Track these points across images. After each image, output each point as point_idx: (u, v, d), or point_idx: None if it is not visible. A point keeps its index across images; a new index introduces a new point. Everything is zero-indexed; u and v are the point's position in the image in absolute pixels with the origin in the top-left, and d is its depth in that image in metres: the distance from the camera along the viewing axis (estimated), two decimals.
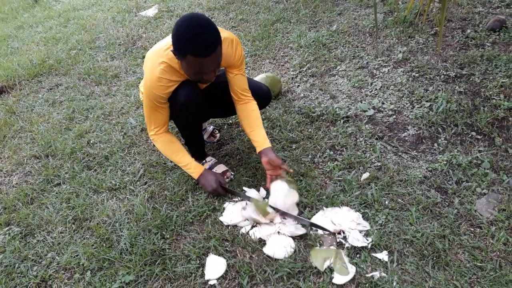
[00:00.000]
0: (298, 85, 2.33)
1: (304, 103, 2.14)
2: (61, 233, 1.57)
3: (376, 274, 1.27)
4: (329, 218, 1.46)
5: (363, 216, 1.46)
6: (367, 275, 1.27)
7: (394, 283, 1.23)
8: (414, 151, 1.75)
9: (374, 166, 1.69)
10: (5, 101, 2.57)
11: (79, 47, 3.18)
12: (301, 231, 1.42)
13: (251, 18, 3.18)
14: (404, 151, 1.76)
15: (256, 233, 1.45)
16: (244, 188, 1.64)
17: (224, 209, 1.56)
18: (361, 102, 2.09)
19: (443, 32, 2.54)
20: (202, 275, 1.34)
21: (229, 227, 1.49)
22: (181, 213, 1.57)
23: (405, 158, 1.72)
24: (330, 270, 1.29)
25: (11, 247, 1.52)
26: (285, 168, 1.51)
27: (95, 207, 1.66)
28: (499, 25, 2.44)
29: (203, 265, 1.37)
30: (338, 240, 1.39)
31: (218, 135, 1.99)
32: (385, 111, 2.02)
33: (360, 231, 1.41)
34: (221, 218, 1.52)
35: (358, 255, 1.34)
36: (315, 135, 1.90)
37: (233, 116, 2.09)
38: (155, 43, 1.49)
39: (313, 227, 1.44)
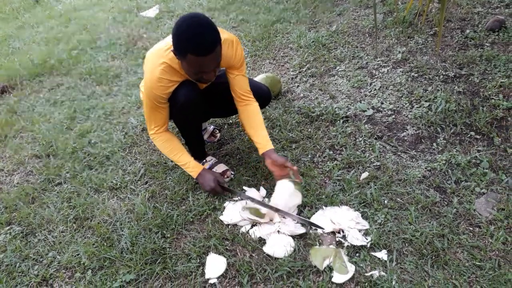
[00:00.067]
0: (298, 85, 2.34)
1: (303, 103, 2.15)
2: (62, 232, 1.57)
3: (376, 273, 1.27)
4: (329, 217, 1.46)
5: (362, 215, 1.47)
6: (366, 274, 1.28)
7: (393, 282, 1.24)
8: (413, 150, 1.76)
9: (373, 165, 1.70)
10: (7, 101, 2.58)
11: (80, 47, 3.19)
12: (301, 230, 1.43)
13: (251, 18, 3.19)
14: (403, 150, 1.77)
15: (256, 232, 1.45)
16: (244, 188, 1.65)
17: (224, 208, 1.57)
18: (361, 102, 2.10)
19: (442, 32, 2.55)
20: (203, 274, 1.35)
21: (229, 226, 1.50)
22: (181, 212, 1.58)
23: (404, 158, 1.73)
24: (330, 269, 1.30)
25: (12, 246, 1.53)
26: (289, 166, 1.51)
27: (96, 207, 1.66)
28: (498, 25, 2.44)
29: (203, 264, 1.38)
30: (337, 239, 1.40)
31: (218, 134, 2.00)
32: (384, 111, 2.02)
33: (360, 230, 1.41)
34: (221, 217, 1.52)
35: (357, 254, 1.35)
36: (315, 135, 1.91)
37: (234, 116, 2.10)
38: (156, 43, 1.50)
39: (312, 227, 1.44)
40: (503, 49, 2.29)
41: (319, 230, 1.44)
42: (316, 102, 2.15)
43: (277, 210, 1.47)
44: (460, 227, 1.40)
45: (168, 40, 1.39)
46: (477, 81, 2.09)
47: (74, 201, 1.70)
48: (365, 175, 1.64)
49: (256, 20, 3.14)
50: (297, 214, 1.50)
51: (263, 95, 1.70)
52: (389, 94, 2.13)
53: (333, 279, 1.27)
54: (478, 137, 1.77)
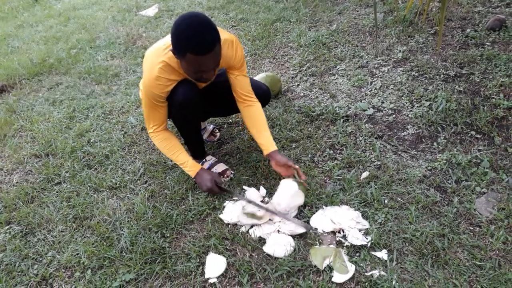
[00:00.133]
0: (298, 85, 2.33)
1: (304, 102, 2.15)
2: (61, 231, 1.57)
3: (376, 272, 1.27)
4: (329, 217, 1.46)
5: (362, 215, 1.47)
6: (366, 274, 1.27)
7: (394, 282, 1.24)
8: (414, 150, 1.75)
9: (374, 165, 1.69)
10: (6, 100, 2.57)
11: (79, 46, 3.18)
12: (301, 229, 1.43)
13: (251, 17, 3.18)
14: (403, 150, 1.76)
15: (256, 231, 1.45)
16: (244, 187, 1.64)
17: (224, 207, 1.57)
18: (361, 101, 2.09)
19: (443, 32, 2.55)
20: (202, 273, 1.34)
21: (229, 225, 1.50)
22: (181, 211, 1.58)
23: (404, 157, 1.72)
24: (330, 268, 1.30)
25: (12, 246, 1.53)
26: (291, 165, 1.51)
27: (95, 206, 1.66)
28: (499, 24, 2.44)
29: (203, 264, 1.37)
30: (337, 239, 1.40)
31: (218, 134, 2.00)
32: (385, 110, 2.02)
33: (360, 230, 1.41)
34: (221, 216, 1.52)
35: (357, 254, 1.34)
36: (315, 134, 1.90)
37: (233, 115, 2.10)
38: (155, 42, 1.49)
39: (310, 229, 1.43)
40: (504, 49, 2.29)
41: (319, 230, 1.43)
42: (316, 101, 2.14)
43: (273, 213, 1.46)
44: (460, 226, 1.40)
45: (168, 39, 1.39)
46: (478, 80, 2.08)
47: (73, 201, 1.70)
48: (365, 174, 1.64)
49: (256, 19, 3.13)
50: (297, 214, 1.50)
51: (263, 94, 1.70)
52: (389, 93, 2.12)
53: (333, 279, 1.26)
54: (478, 136, 1.77)
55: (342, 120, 1.97)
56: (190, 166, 1.59)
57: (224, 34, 1.42)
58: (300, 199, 1.49)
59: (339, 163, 1.72)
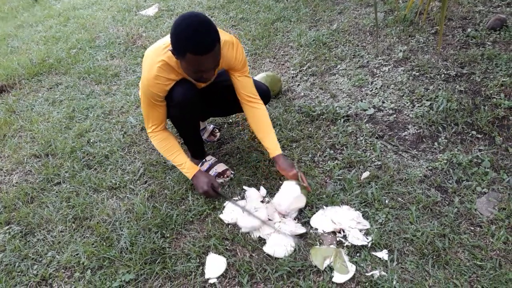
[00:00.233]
0: (299, 84, 2.33)
1: (304, 102, 2.14)
2: (61, 232, 1.57)
3: (376, 273, 1.27)
4: (329, 217, 1.46)
5: (363, 215, 1.46)
6: (367, 274, 1.27)
7: (394, 282, 1.23)
8: (415, 150, 1.75)
9: (374, 165, 1.69)
10: (5, 100, 2.57)
11: (79, 46, 3.18)
12: (301, 230, 1.42)
13: (251, 17, 3.18)
14: (404, 150, 1.76)
15: (256, 232, 1.45)
16: (244, 187, 1.64)
17: (224, 207, 1.56)
18: (362, 101, 2.09)
19: (444, 31, 2.54)
20: (202, 273, 1.34)
21: (229, 226, 1.49)
22: (181, 212, 1.57)
23: (405, 157, 1.72)
24: (330, 269, 1.29)
25: (11, 246, 1.52)
26: (297, 174, 1.50)
27: (95, 206, 1.66)
28: (500, 24, 2.43)
29: (203, 264, 1.37)
30: (338, 239, 1.39)
31: (218, 134, 1.99)
32: (386, 110, 2.01)
33: (360, 230, 1.41)
34: (221, 216, 1.52)
35: (358, 254, 1.34)
36: (315, 134, 1.90)
37: (233, 115, 2.09)
38: (155, 42, 1.49)
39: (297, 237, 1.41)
40: (505, 48, 2.28)
41: (319, 230, 1.43)
42: (317, 101, 2.14)
43: (264, 222, 1.44)
44: (461, 226, 1.39)
45: (167, 39, 1.38)
46: (479, 80, 2.08)
47: (73, 201, 1.69)
48: (366, 174, 1.64)
49: (256, 18, 3.13)
50: (297, 216, 1.49)
51: (263, 94, 1.69)
52: (390, 93, 2.12)
53: (334, 279, 1.26)
54: (479, 136, 1.76)
55: (342, 120, 1.97)
56: (188, 168, 1.59)
57: (225, 36, 1.42)
58: (301, 202, 1.48)
59: (340, 163, 1.71)
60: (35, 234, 1.57)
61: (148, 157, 1.89)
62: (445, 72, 2.18)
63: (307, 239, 1.41)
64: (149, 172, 1.80)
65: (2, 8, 4.62)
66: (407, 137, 1.83)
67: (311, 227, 1.45)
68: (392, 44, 2.53)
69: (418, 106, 1.98)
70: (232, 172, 1.74)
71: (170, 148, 1.58)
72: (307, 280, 1.27)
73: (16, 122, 2.33)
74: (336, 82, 2.29)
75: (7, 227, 1.62)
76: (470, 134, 1.77)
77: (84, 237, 1.53)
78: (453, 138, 1.77)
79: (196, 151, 1.77)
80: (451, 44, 2.42)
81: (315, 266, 1.30)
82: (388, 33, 2.65)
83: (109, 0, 4.11)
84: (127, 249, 1.44)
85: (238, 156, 1.84)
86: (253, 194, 1.59)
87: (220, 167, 1.73)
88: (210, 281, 1.31)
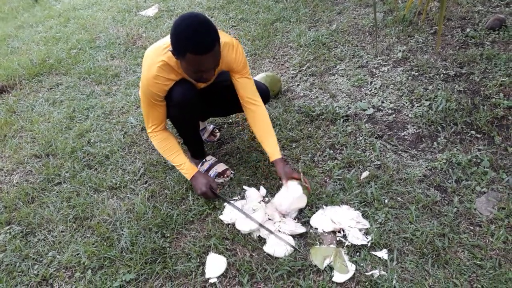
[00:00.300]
0: (298, 84, 2.33)
1: (304, 102, 2.15)
2: (61, 232, 1.57)
3: (376, 272, 1.27)
4: (329, 216, 1.46)
5: (362, 215, 1.47)
6: (367, 274, 1.27)
7: (394, 281, 1.24)
8: (414, 149, 1.75)
9: (374, 165, 1.69)
10: (6, 101, 2.57)
11: (79, 46, 3.18)
12: (301, 229, 1.43)
13: (250, 17, 3.18)
14: (403, 149, 1.76)
15: (256, 231, 1.45)
16: (244, 187, 1.64)
17: (224, 207, 1.56)
18: (361, 101, 2.09)
19: (443, 31, 2.55)
20: (203, 273, 1.34)
21: (229, 225, 1.50)
22: (181, 212, 1.58)
23: (404, 157, 1.72)
24: (330, 268, 1.30)
25: (12, 246, 1.53)
26: (296, 177, 1.51)
27: (95, 206, 1.66)
28: (499, 24, 2.44)
29: (203, 264, 1.37)
30: (338, 239, 1.40)
31: (218, 134, 2.00)
32: (385, 110, 2.02)
33: (360, 230, 1.41)
34: (221, 217, 1.52)
35: (358, 254, 1.35)
36: (315, 134, 1.90)
37: (233, 115, 2.10)
38: (155, 42, 1.49)
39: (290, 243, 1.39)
40: (504, 48, 2.29)
41: (319, 230, 1.43)
42: (316, 101, 2.14)
43: (261, 226, 1.45)
44: (460, 226, 1.40)
45: (167, 39, 1.39)
46: (478, 80, 2.09)
47: (73, 201, 1.70)
48: (365, 174, 1.64)
49: (256, 19, 3.13)
50: (297, 216, 1.50)
51: (262, 94, 1.69)
52: (389, 93, 2.13)
53: (334, 279, 1.26)
54: (478, 136, 1.77)
55: (342, 120, 1.97)
56: (187, 169, 1.59)
57: (225, 37, 1.42)
58: (302, 203, 1.49)
59: (339, 163, 1.72)
60: (36, 234, 1.58)
61: (148, 157, 1.90)
62: (444, 72, 2.19)
63: (307, 239, 1.41)
64: (150, 172, 1.80)
65: (2, 9, 4.62)
66: (406, 137, 1.83)
67: (311, 227, 1.45)
68: (391, 44, 2.54)
69: (417, 106, 1.99)
70: (232, 172, 1.74)
71: (169, 148, 1.58)
72: (307, 280, 1.27)
73: (17, 122, 2.33)
74: (336, 82, 2.30)
75: (7, 227, 1.62)
76: (469, 134, 1.78)
77: (85, 237, 1.53)
78: (452, 137, 1.78)
79: (196, 151, 1.77)
80: (450, 44, 2.43)
81: (315, 266, 1.31)
82: (387, 33, 2.66)
83: (109, 0, 4.11)
84: (127, 249, 1.45)
85: (238, 156, 1.85)
86: (253, 194, 1.60)
87: (220, 167, 1.73)
88: (211, 281, 1.32)
